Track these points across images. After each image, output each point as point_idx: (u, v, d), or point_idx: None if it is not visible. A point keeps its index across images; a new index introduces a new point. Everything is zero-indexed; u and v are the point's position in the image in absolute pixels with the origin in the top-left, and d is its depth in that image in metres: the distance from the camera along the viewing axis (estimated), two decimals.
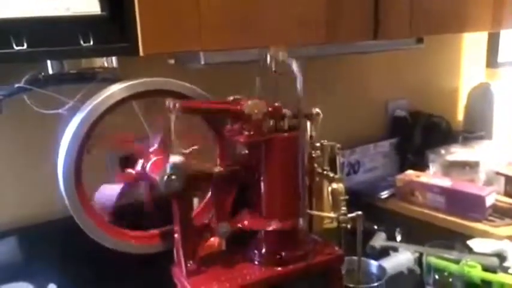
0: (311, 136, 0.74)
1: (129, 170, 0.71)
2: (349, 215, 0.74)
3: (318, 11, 0.95)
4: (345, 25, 0.99)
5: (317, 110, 0.75)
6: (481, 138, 1.55)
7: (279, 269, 0.68)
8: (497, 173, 1.35)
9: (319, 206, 0.77)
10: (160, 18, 0.76)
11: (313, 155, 0.72)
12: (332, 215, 0.71)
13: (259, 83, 0.69)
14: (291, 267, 0.68)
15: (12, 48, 0.67)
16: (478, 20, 1.23)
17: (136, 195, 0.73)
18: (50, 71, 0.82)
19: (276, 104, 0.67)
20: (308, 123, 0.74)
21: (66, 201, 0.67)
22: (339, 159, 0.77)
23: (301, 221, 0.65)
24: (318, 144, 0.74)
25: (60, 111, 0.87)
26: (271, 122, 0.67)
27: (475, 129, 1.64)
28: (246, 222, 0.67)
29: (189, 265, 0.67)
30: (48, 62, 0.82)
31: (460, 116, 1.80)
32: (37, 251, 0.99)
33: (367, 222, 1.20)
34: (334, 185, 0.74)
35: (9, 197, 1.00)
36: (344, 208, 0.70)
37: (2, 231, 0.99)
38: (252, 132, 0.65)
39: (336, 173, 0.76)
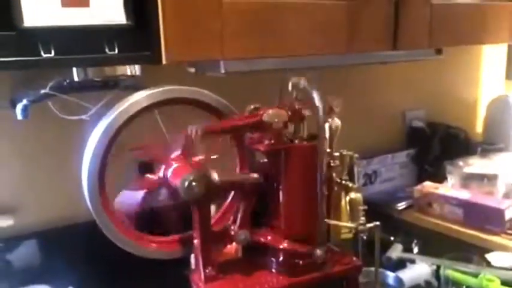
0: (330, 146, 0.75)
1: (150, 176, 0.72)
2: (369, 225, 0.75)
3: (339, 20, 0.95)
4: (365, 35, 1.00)
5: (337, 120, 0.76)
6: (500, 150, 1.54)
7: (297, 277, 0.68)
8: None
9: (337, 215, 0.77)
10: (182, 28, 0.78)
11: (332, 165, 0.72)
12: (350, 225, 0.71)
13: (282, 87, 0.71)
14: (308, 276, 0.68)
15: (40, 55, 0.69)
16: (497, 32, 1.22)
17: (157, 202, 0.74)
18: (76, 78, 0.84)
19: (297, 107, 0.67)
20: (327, 133, 0.75)
21: (89, 205, 0.69)
22: (357, 169, 0.77)
23: (318, 252, 0.66)
24: (336, 154, 0.74)
25: (83, 117, 0.90)
26: (292, 127, 0.68)
27: (494, 141, 1.63)
28: (269, 238, 0.69)
29: (207, 271, 0.68)
30: (74, 69, 0.84)
31: (479, 127, 1.79)
32: (58, 254, 1.01)
33: (383, 233, 1.20)
34: (353, 195, 0.74)
35: (32, 200, 1.03)
36: (363, 218, 0.70)
37: (24, 234, 1.01)
38: (272, 141, 0.66)
39: (354, 182, 0.76)
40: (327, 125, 0.74)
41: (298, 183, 0.68)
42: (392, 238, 1.18)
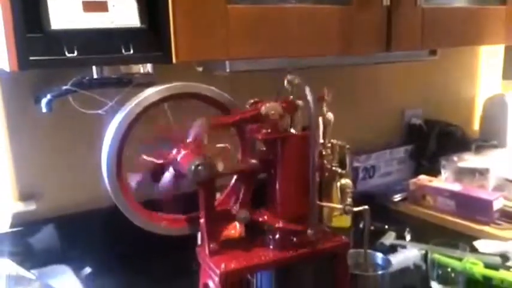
0: (324, 137, 0.83)
1: (146, 158, 0.79)
2: (357, 209, 0.83)
3: (335, 25, 1.03)
4: (359, 38, 1.08)
5: (330, 114, 0.84)
6: (494, 146, 1.61)
7: (291, 252, 0.77)
8: (507, 180, 1.41)
9: (329, 199, 0.86)
10: (191, 31, 0.87)
11: (324, 153, 0.81)
12: (338, 206, 0.79)
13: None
14: (300, 251, 0.77)
15: (65, 55, 0.78)
16: (490, 34, 1.29)
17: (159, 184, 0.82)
18: (95, 76, 0.93)
19: (290, 98, 0.76)
20: (321, 125, 0.83)
21: (108, 186, 0.78)
22: (348, 158, 0.85)
23: (309, 231, 0.74)
24: (328, 144, 0.82)
25: (100, 111, 0.98)
26: (288, 119, 0.76)
27: (489, 138, 1.69)
28: (266, 217, 0.78)
29: (211, 246, 0.76)
30: (94, 67, 0.93)
31: (476, 125, 1.86)
32: (77, 238, 1.10)
33: (378, 222, 1.29)
34: (343, 181, 0.82)
35: (53, 187, 1.11)
36: (350, 199, 0.78)
37: (45, 219, 1.10)
38: (269, 131, 0.74)
39: (345, 170, 0.84)
40: (320, 119, 0.83)
41: (293, 168, 0.76)
42: (386, 227, 1.26)
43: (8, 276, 0.89)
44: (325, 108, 0.80)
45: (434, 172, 1.51)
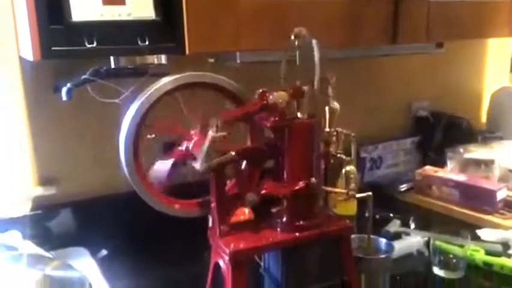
0: (330, 125, 0.87)
1: (179, 148, 0.85)
2: (360, 195, 0.87)
3: (342, 17, 1.07)
4: (366, 30, 1.11)
5: (336, 103, 0.88)
6: (499, 138, 1.63)
7: (297, 234, 0.81)
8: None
9: (334, 186, 0.90)
10: (203, 24, 0.91)
11: (329, 141, 0.84)
12: (342, 190, 0.83)
13: (284, 65, 0.83)
14: (306, 233, 0.81)
15: (85, 45, 0.83)
16: (495, 27, 1.32)
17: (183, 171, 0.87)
18: (112, 66, 0.97)
19: (297, 84, 0.80)
20: (327, 114, 0.87)
21: (125, 170, 0.82)
22: (353, 146, 0.89)
23: (313, 182, 0.77)
24: (334, 133, 0.86)
25: (116, 100, 1.03)
26: (295, 104, 0.80)
27: (496, 131, 1.72)
28: (267, 188, 0.82)
29: (222, 228, 0.80)
30: (111, 58, 0.97)
31: (484, 118, 1.88)
32: (94, 222, 1.15)
33: (384, 211, 1.33)
34: (348, 167, 0.86)
35: (74, 173, 1.16)
36: (353, 185, 0.82)
37: (64, 203, 1.15)
38: (276, 118, 0.79)
39: (350, 157, 0.88)
40: (326, 108, 0.87)
41: (299, 153, 0.80)
42: (391, 215, 1.30)
43: (29, 255, 0.94)
44: (331, 97, 0.83)
45: (441, 163, 1.54)
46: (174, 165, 0.83)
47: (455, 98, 1.79)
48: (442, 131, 1.65)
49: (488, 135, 1.64)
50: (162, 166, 0.83)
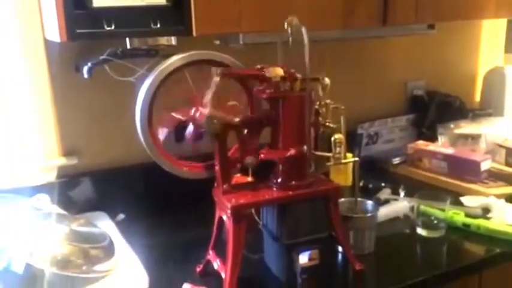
0: (320, 98, 0.98)
1: (175, 114, 0.96)
2: (346, 160, 0.97)
3: (335, 1, 1.17)
4: (358, 13, 1.21)
5: (326, 79, 0.99)
6: (489, 115, 1.73)
7: (290, 192, 0.93)
8: (499, 145, 1.54)
9: (323, 151, 1.01)
10: (209, 8, 1.02)
11: (320, 112, 0.96)
12: (328, 154, 0.94)
13: (281, 48, 0.94)
14: (298, 192, 0.93)
15: (104, 28, 0.94)
16: (481, 9, 1.40)
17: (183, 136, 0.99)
18: (128, 47, 1.09)
19: (292, 71, 0.91)
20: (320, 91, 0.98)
21: (141, 137, 0.94)
22: (343, 118, 0.99)
23: (305, 148, 0.89)
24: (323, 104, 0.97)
25: (131, 79, 1.15)
26: (288, 85, 0.91)
27: (487, 108, 1.81)
28: (265, 154, 0.94)
29: (224, 187, 0.92)
30: (127, 39, 1.08)
31: (478, 97, 1.97)
32: (113, 190, 1.27)
33: (377, 181, 1.43)
34: (336, 136, 0.97)
35: (94, 145, 1.28)
36: (338, 149, 0.93)
37: (85, 172, 1.27)
38: (272, 91, 0.90)
39: (340, 128, 0.99)
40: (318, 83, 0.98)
41: (292, 123, 0.92)
42: (383, 184, 1.41)
43: (57, 214, 1.07)
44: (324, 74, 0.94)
45: (433, 139, 1.64)
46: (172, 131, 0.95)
47: (450, 78, 1.88)
48: (436, 109, 1.75)
49: (478, 112, 1.74)
50: (160, 133, 0.96)
